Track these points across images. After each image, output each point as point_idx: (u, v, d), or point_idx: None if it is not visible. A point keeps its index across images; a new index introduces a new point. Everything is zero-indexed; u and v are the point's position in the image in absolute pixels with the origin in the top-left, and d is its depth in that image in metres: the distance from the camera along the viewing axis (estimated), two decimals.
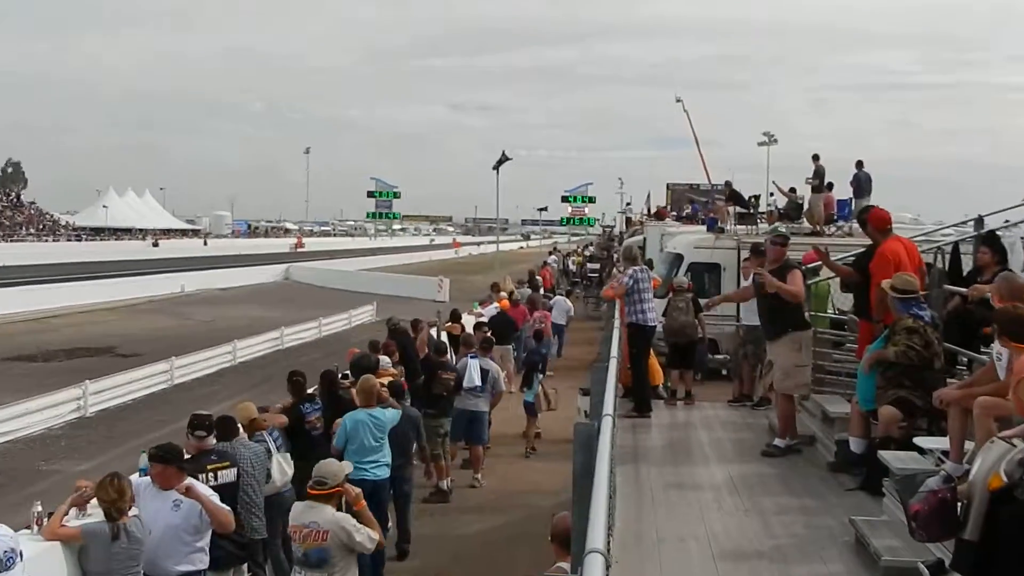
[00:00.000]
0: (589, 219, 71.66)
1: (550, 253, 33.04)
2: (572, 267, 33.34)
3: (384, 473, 6.07)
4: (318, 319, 22.64)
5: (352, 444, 6.05)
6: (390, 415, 6.25)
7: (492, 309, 14.11)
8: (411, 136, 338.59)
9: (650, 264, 19.40)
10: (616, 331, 6.78)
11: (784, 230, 6.88)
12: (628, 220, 34.41)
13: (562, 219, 73.10)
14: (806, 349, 5.94)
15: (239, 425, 5.44)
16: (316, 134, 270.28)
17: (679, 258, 14.00)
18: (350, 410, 6.33)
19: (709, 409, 7.57)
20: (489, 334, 10.28)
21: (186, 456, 4.44)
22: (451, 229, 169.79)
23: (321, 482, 4.10)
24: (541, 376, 9.74)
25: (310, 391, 6.69)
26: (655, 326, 7.50)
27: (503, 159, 26.54)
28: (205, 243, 67.91)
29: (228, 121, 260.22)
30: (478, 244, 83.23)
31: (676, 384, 8.29)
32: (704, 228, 15.77)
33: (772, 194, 21.93)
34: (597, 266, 31.71)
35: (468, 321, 15.58)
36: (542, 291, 20.19)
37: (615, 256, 30.52)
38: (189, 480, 4.23)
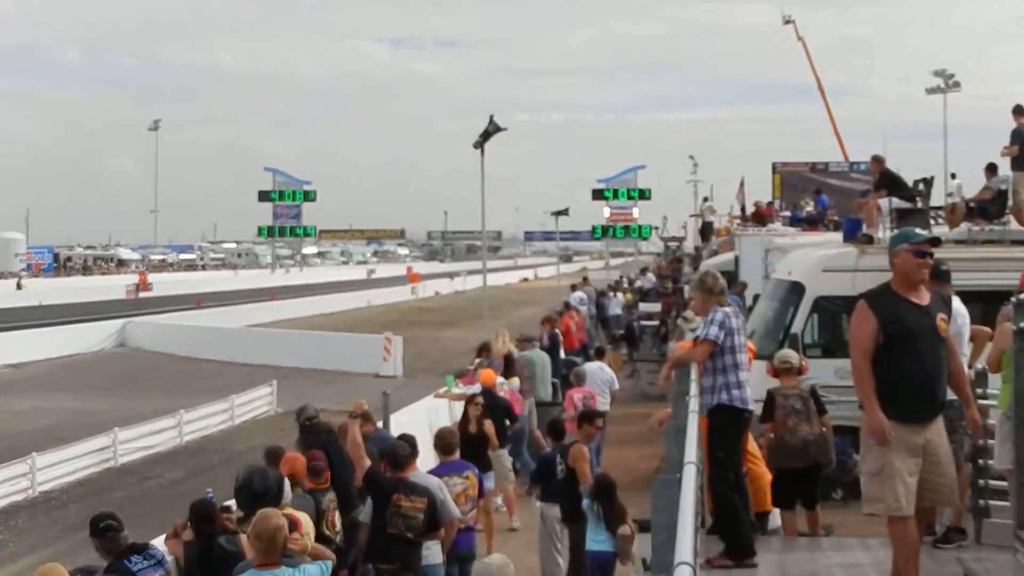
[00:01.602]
0: (641, 229, 73.62)
1: (574, 288, 33.13)
2: (615, 310, 33.47)
3: None
4: (176, 413, 22.63)
5: None
6: None
7: (474, 387, 14.11)
8: (328, 97, 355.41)
9: (749, 295, 19.99)
10: (693, 419, 6.76)
11: (922, 232, 6.92)
12: (707, 227, 34.70)
13: (594, 229, 75.09)
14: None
15: None
16: (167, 96, 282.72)
17: (795, 291, 14.06)
18: (234, 567, 6.25)
19: (858, 549, 7.58)
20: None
21: None
22: (404, 252, 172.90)
23: None
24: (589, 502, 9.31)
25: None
26: (752, 410, 7.60)
27: (491, 130, 26.70)
28: (19, 286, 68.17)
29: (10, 78, 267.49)
30: (451, 277, 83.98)
31: (792, 529, 8.38)
32: (839, 236, 15.83)
33: (954, 175, 22.18)
34: (657, 307, 31.87)
35: (430, 412, 15.61)
36: (562, 353, 20.36)
37: (686, 289, 30.83)
38: None
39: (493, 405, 12.84)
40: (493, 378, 13.82)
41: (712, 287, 7.72)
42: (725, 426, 7.33)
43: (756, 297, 17.78)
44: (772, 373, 9.29)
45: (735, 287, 19.10)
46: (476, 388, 13.99)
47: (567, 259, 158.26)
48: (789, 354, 9.43)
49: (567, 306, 25.91)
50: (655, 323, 29.92)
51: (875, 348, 6.10)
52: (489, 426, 12.12)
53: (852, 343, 6.21)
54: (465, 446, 11.60)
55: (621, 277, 51.60)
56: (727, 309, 7.55)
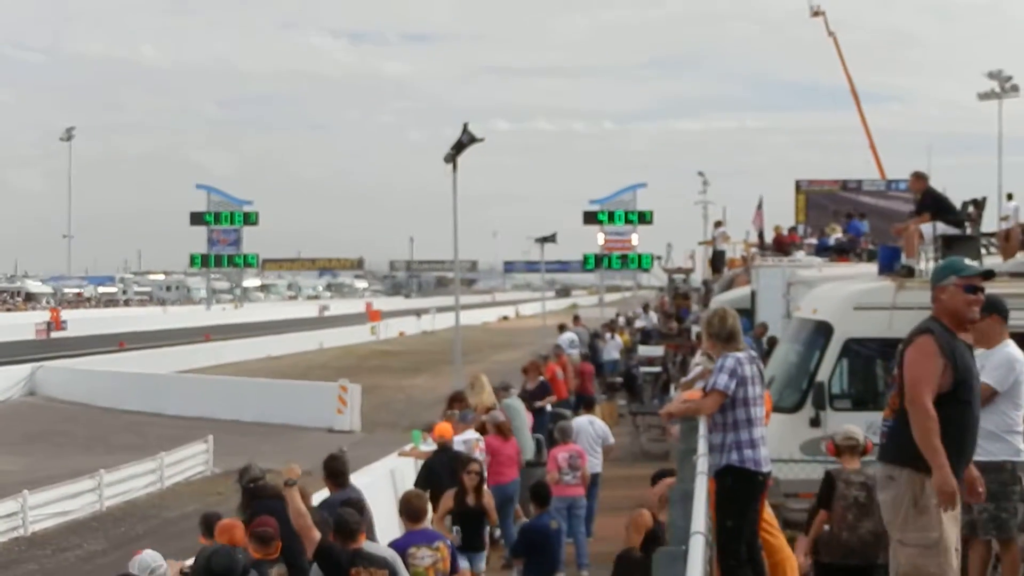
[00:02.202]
0: (641, 258, 73.92)
1: (563, 328, 33.17)
2: (611, 354, 33.52)
3: None
4: (96, 474, 22.51)
5: None
6: None
7: (461, 442, 14.08)
8: (273, 100, 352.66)
9: (765, 338, 20.08)
10: (701, 482, 6.77)
11: (972, 264, 7.00)
12: (719, 257, 34.87)
13: (586, 259, 75.30)
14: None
15: None
16: (81, 99, 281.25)
17: (822, 332, 14.14)
18: None
19: None
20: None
21: None
22: (362, 285, 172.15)
23: None
24: None
25: None
26: (769, 472, 7.64)
27: (465, 141, 26.77)
28: None
29: None
30: (418, 314, 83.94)
31: None
32: (873, 268, 15.93)
33: (1010, 196, 22.35)
34: (659, 351, 31.95)
35: (393, 473, 15.57)
36: (549, 403, 20.41)
37: (693, 330, 30.70)
38: None
39: (444, 466, 12.79)
40: (450, 433, 13.78)
41: (718, 332, 7.78)
42: (736, 491, 7.35)
43: (772, 340, 17.88)
44: (832, 451, 9.27)
45: (753, 328, 19.18)
46: (463, 440, 14.06)
47: (564, 293, 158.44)
48: (854, 431, 9.28)
49: (557, 350, 25.94)
50: (657, 369, 29.97)
51: (937, 394, 6.10)
52: (490, 499, 12.05)
53: (914, 385, 6.13)
54: (462, 522, 11.56)
55: (618, 315, 51.67)
56: (739, 355, 7.60)
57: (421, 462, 13.90)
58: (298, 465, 9.38)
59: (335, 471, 10.49)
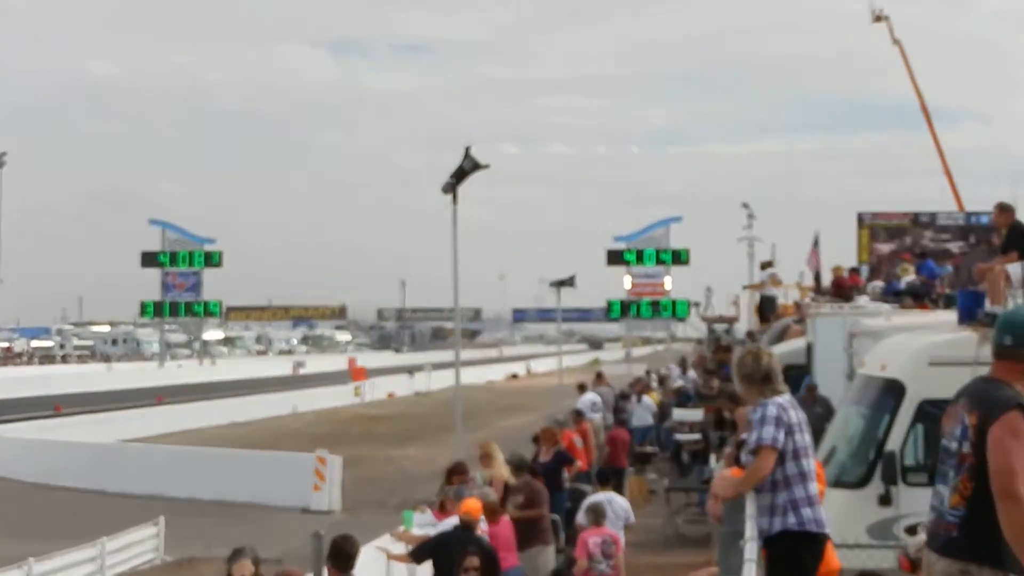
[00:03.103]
0: (676, 305, 74.00)
1: (582, 389, 33.05)
2: (641, 418, 33.44)
3: None
4: (24, 563, 22.39)
5: None
6: None
7: (445, 523, 13.99)
8: (240, 120, 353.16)
9: (807, 392, 19.89)
10: (752, 550, 6.75)
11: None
12: (768, 303, 34.83)
13: (611, 306, 75.39)
14: None
15: None
16: (14, 120, 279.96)
17: (891, 393, 14.08)
18: None
19: None
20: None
21: None
22: (344, 338, 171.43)
23: None
24: None
25: None
26: (827, 533, 7.70)
27: (467, 168, 26.77)
28: None
29: None
30: (410, 372, 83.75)
31: None
32: (952, 316, 15.86)
33: None
34: (698, 415, 31.84)
35: (377, 561, 15.47)
36: (566, 475, 20.33)
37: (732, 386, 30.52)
38: None
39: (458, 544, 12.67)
40: (479, 510, 13.63)
41: (752, 373, 7.91)
42: (795, 559, 7.44)
43: (816, 398, 17.78)
44: (907, 567, 9.21)
45: (802, 389, 19.11)
46: (447, 524, 13.88)
47: (596, 346, 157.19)
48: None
49: (576, 414, 25.84)
50: (695, 436, 29.83)
51: None
52: None
53: (1007, 475, 5.99)
54: None
55: (648, 372, 51.50)
56: (781, 399, 7.72)
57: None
58: (250, 567, 9.34)
59: (344, 553, 10.43)
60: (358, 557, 10.62)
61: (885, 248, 44.68)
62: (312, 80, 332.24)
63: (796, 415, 7.70)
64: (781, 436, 7.54)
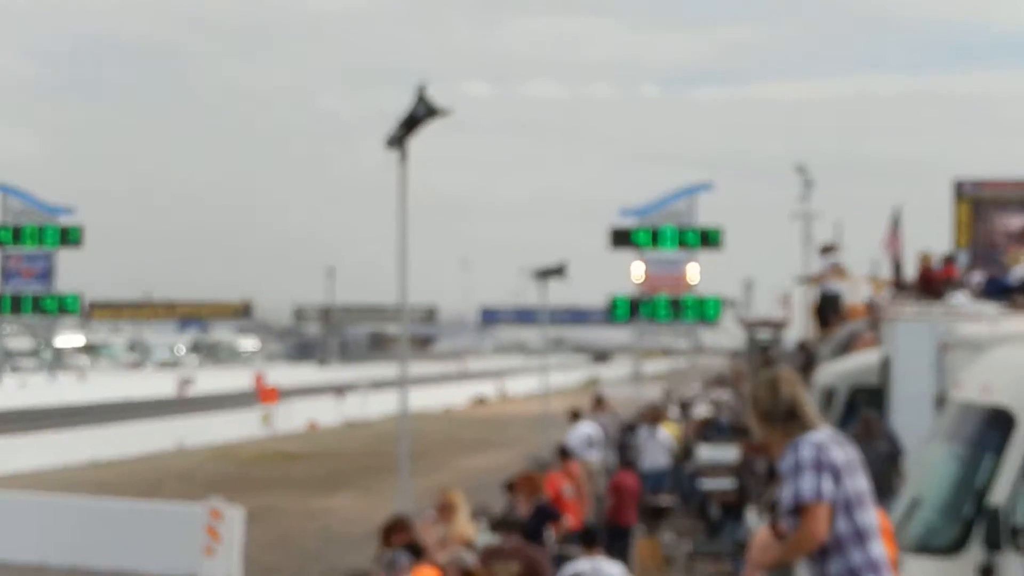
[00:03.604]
0: (705, 304, 73.95)
1: (575, 417, 33.07)
2: (654, 459, 33.50)
3: None
4: None
5: None
6: None
7: None
8: (109, 48, 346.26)
9: (862, 426, 19.95)
10: None
11: None
12: (830, 303, 34.90)
13: (615, 305, 75.16)
14: None
15: None
16: None
17: (998, 426, 14.14)
18: None
19: None
20: None
21: None
22: (249, 346, 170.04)
23: None
24: None
25: None
26: None
27: (420, 114, 26.77)
28: None
29: None
30: (339, 392, 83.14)
31: None
32: None
33: None
34: (732, 454, 31.91)
35: None
36: (552, 535, 20.36)
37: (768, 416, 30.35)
38: None
39: None
40: None
41: (771, 408, 8.07)
42: None
43: (876, 431, 17.84)
44: None
45: (871, 419, 19.17)
46: None
47: (601, 358, 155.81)
48: None
49: (563, 456, 25.87)
50: (728, 483, 29.95)
51: None
52: None
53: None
54: None
55: (667, 396, 51.64)
56: (818, 436, 7.86)
57: None
58: None
59: None
60: None
61: (995, 229, 44.90)
62: None
63: (843, 453, 7.81)
64: (827, 484, 7.60)
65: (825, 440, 7.78)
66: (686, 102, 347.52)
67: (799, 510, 7.65)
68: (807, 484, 7.60)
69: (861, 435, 18.75)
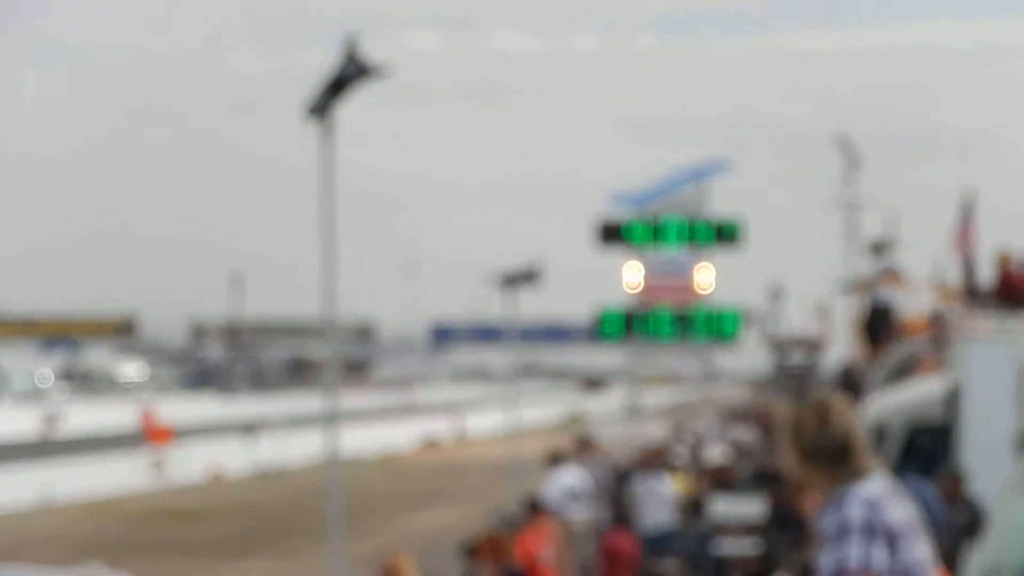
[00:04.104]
0: (723, 318, 73.97)
1: (555, 461, 33.29)
2: (655, 515, 33.69)
3: None
4: None
5: None
6: None
7: None
8: None
9: (947, 485, 19.96)
10: None
11: None
12: (882, 317, 35.08)
13: (605, 320, 75.27)
14: None
15: None
16: None
17: None
18: None
19: None
20: None
21: None
22: (132, 373, 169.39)
23: None
24: None
25: None
26: None
27: (350, 74, 26.84)
28: None
29: None
30: (248, 431, 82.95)
31: None
32: None
33: None
34: (754, 510, 32.10)
35: None
36: None
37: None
38: None
39: None
40: None
41: (818, 444, 8.00)
42: None
43: (961, 497, 17.93)
44: None
45: (956, 478, 19.32)
46: None
47: (593, 386, 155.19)
48: None
49: (533, 508, 26.01)
50: (749, 545, 30.15)
51: None
52: None
53: None
54: None
55: (676, 434, 51.70)
56: (871, 489, 7.85)
57: None
58: None
59: None
60: None
61: None
62: None
63: (902, 512, 7.79)
64: (879, 553, 7.66)
65: (880, 495, 7.74)
66: (691, 56, 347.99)
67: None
68: (854, 552, 7.64)
69: (943, 496, 18.84)
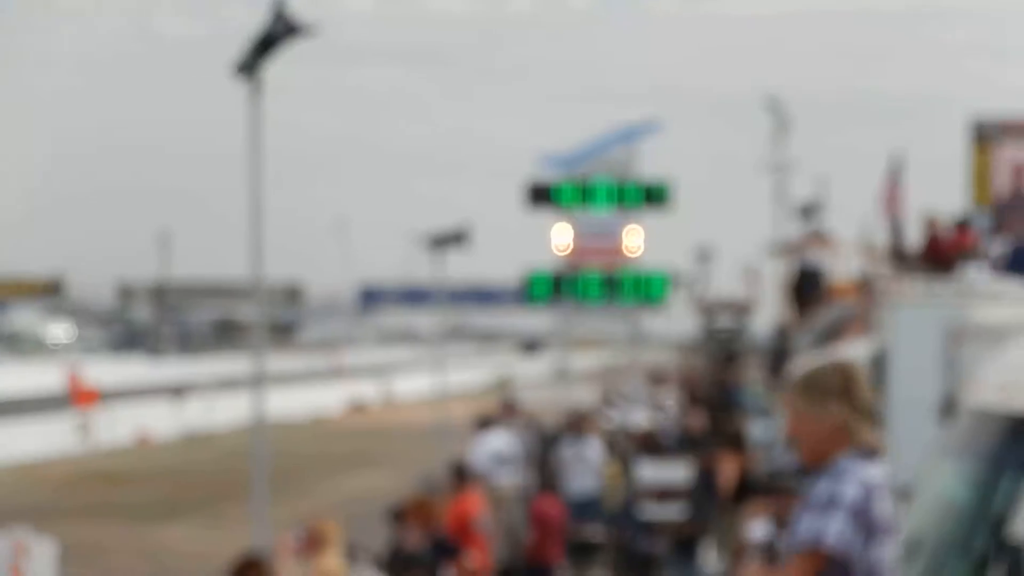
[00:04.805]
0: (651, 281, 73.90)
1: (484, 426, 33.22)
2: (582, 480, 33.66)
3: None
4: None
5: None
6: None
7: None
8: None
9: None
10: None
11: None
12: (810, 279, 35.13)
13: (533, 283, 74.93)
14: None
15: None
16: None
17: (1021, 440, 14.28)
18: None
19: None
20: None
21: None
22: (59, 334, 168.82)
23: None
24: None
25: None
26: None
27: (277, 33, 26.75)
28: None
29: None
30: (176, 395, 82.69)
31: None
32: None
33: None
34: (680, 474, 32.14)
35: None
36: None
37: (754, 431, 29.90)
38: None
39: None
40: None
41: (842, 390, 7.86)
42: None
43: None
44: None
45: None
46: None
47: (530, 348, 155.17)
48: None
49: (459, 474, 25.96)
50: (676, 510, 30.15)
51: None
52: None
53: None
54: None
55: (605, 397, 51.67)
56: (872, 474, 7.80)
57: None
58: None
59: None
60: None
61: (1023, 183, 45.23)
62: None
63: (886, 507, 7.76)
64: (855, 539, 7.63)
65: (878, 484, 7.73)
66: (625, 17, 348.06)
67: (804, 551, 7.64)
68: (834, 527, 7.61)
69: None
